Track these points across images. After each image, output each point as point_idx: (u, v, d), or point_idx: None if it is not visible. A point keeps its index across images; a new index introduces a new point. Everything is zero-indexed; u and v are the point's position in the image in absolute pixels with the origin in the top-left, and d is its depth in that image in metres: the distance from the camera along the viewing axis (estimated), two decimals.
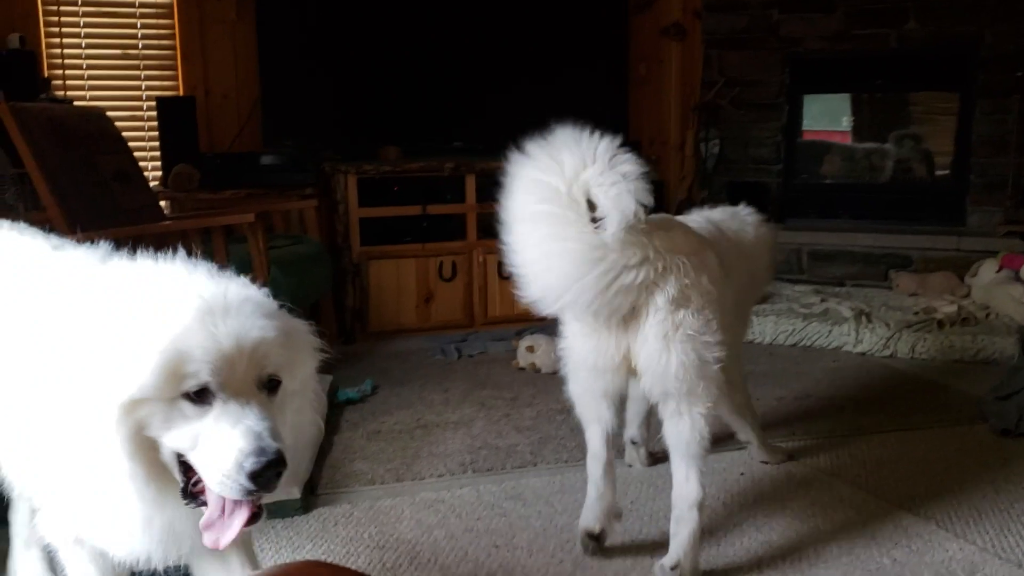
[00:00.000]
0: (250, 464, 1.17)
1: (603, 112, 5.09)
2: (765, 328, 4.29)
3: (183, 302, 1.21)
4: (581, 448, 2.89)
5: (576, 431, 3.06)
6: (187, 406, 1.20)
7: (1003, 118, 5.09)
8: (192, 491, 1.26)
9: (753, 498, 2.51)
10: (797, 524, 2.33)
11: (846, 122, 6.04)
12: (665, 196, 5.71)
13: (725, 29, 5.51)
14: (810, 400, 3.38)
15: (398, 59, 4.82)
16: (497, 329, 4.64)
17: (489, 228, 4.85)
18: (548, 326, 4.50)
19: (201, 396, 1.20)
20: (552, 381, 3.72)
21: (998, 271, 4.43)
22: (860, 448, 2.87)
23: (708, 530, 2.28)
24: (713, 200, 5.57)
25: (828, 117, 6.06)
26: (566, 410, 3.31)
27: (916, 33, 5.18)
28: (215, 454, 1.20)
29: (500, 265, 4.73)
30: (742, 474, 2.67)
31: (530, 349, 3.88)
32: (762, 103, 5.55)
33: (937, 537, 2.23)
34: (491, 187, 4.83)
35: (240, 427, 1.19)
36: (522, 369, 3.88)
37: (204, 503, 1.26)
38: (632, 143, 6.60)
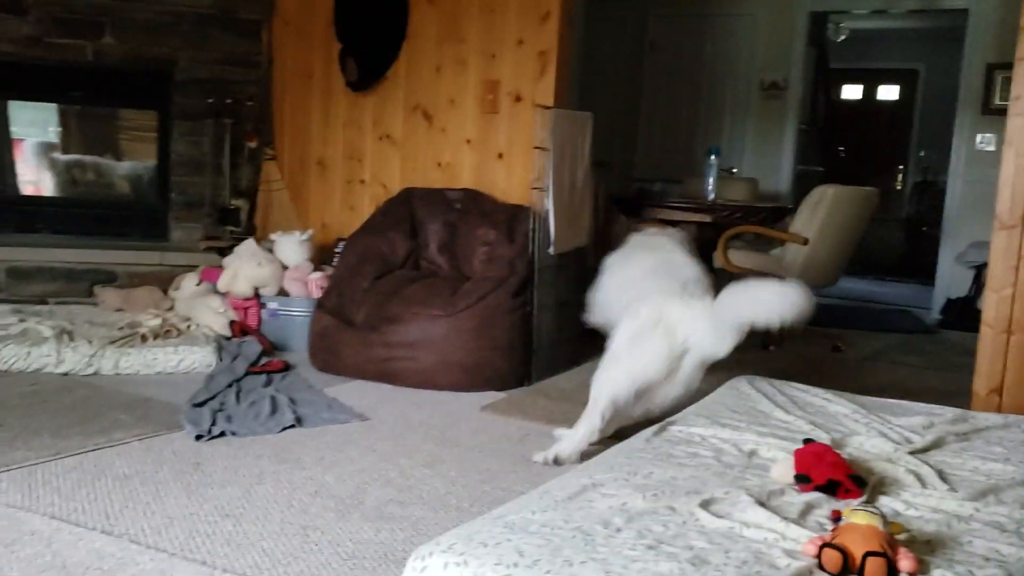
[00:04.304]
0: None
1: None
2: None
3: None
4: None
5: None
6: None
7: (199, 140, 5.44)
8: None
9: None
10: None
11: (52, 133, 5.78)
12: None
13: None
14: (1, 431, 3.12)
15: None
16: None
17: None
18: None
19: None
20: None
21: (198, 284, 4.69)
22: (57, 474, 2.74)
23: None
24: None
25: (33, 126, 5.73)
26: None
27: (114, 49, 5.21)
28: None
29: None
30: None
31: None
32: None
33: (129, 552, 2.24)
34: None
35: None
36: None
37: None
38: None
